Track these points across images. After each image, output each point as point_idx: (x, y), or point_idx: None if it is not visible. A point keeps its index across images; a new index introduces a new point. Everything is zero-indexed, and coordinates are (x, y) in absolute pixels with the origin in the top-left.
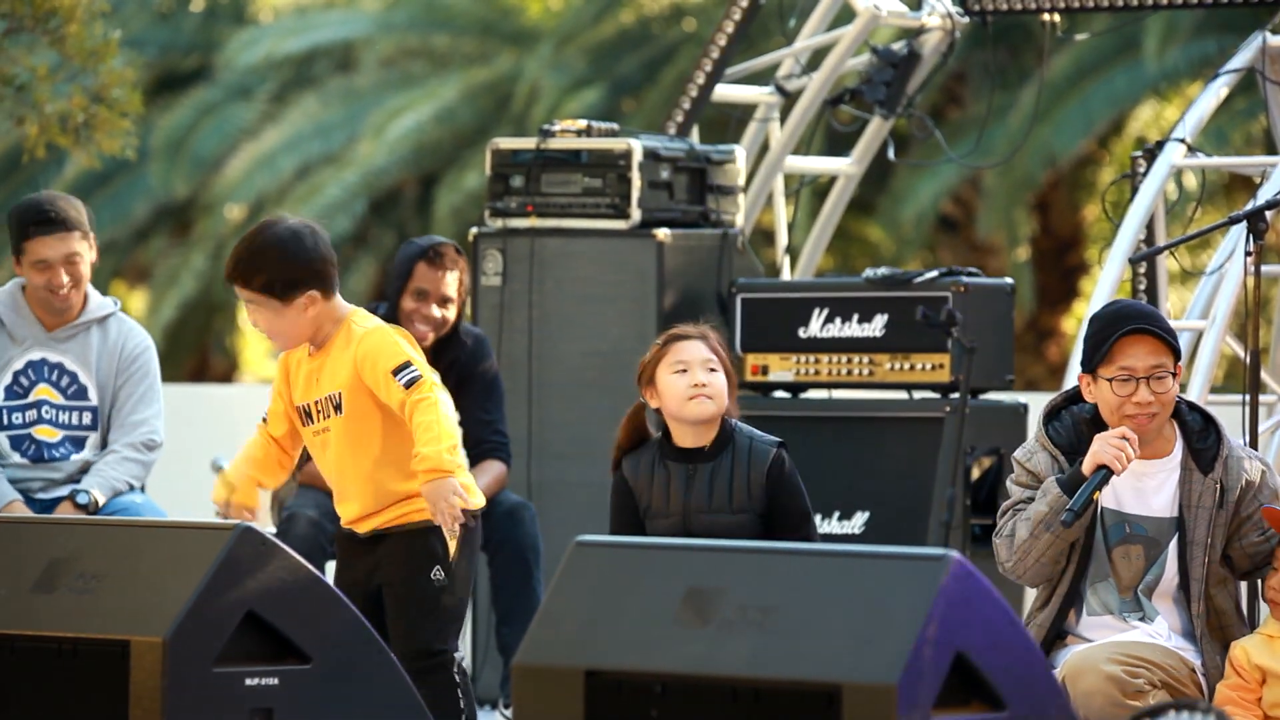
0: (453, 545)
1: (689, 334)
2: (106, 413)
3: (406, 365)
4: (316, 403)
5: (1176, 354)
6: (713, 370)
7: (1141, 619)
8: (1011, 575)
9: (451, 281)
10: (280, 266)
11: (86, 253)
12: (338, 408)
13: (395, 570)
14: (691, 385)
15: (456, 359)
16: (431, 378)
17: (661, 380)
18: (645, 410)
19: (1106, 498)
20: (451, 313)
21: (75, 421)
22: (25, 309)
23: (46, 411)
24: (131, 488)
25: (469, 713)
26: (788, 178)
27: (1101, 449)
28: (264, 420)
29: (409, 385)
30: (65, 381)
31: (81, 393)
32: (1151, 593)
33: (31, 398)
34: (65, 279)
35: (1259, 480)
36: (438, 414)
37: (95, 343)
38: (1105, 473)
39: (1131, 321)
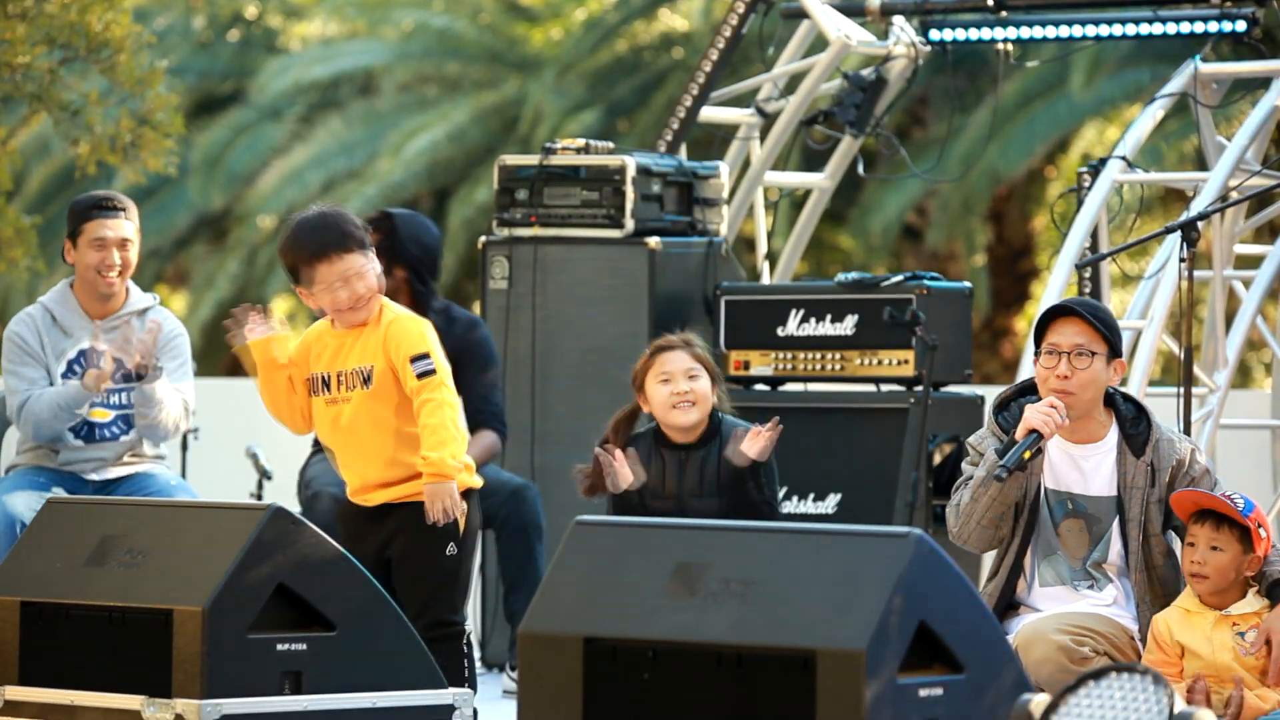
0: (461, 521)
1: (673, 344)
2: None
3: (425, 356)
4: (340, 374)
5: (1107, 341)
6: (693, 378)
7: (1091, 587)
8: (957, 540)
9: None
10: (355, 222)
11: (136, 242)
12: (366, 381)
13: (411, 545)
14: (673, 394)
15: (448, 333)
16: (445, 376)
17: (650, 389)
18: (639, 412)
19: (1049, 478)
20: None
21: (124, 401)
22: (73, 303)
23: (98, 395)
24: (160, 451)
25: (472, 680)
26: (767, 191)
27: (1031, 414)
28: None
29: (421, 376)
30: (115, 366)
31: (128, 376)
32: (1100, 567)
33: None
34: (117, 260)
35: (1188, 459)
36: (443, 417)
37: (138, 331)
38: (1035, 436)
39: (1066, 305)
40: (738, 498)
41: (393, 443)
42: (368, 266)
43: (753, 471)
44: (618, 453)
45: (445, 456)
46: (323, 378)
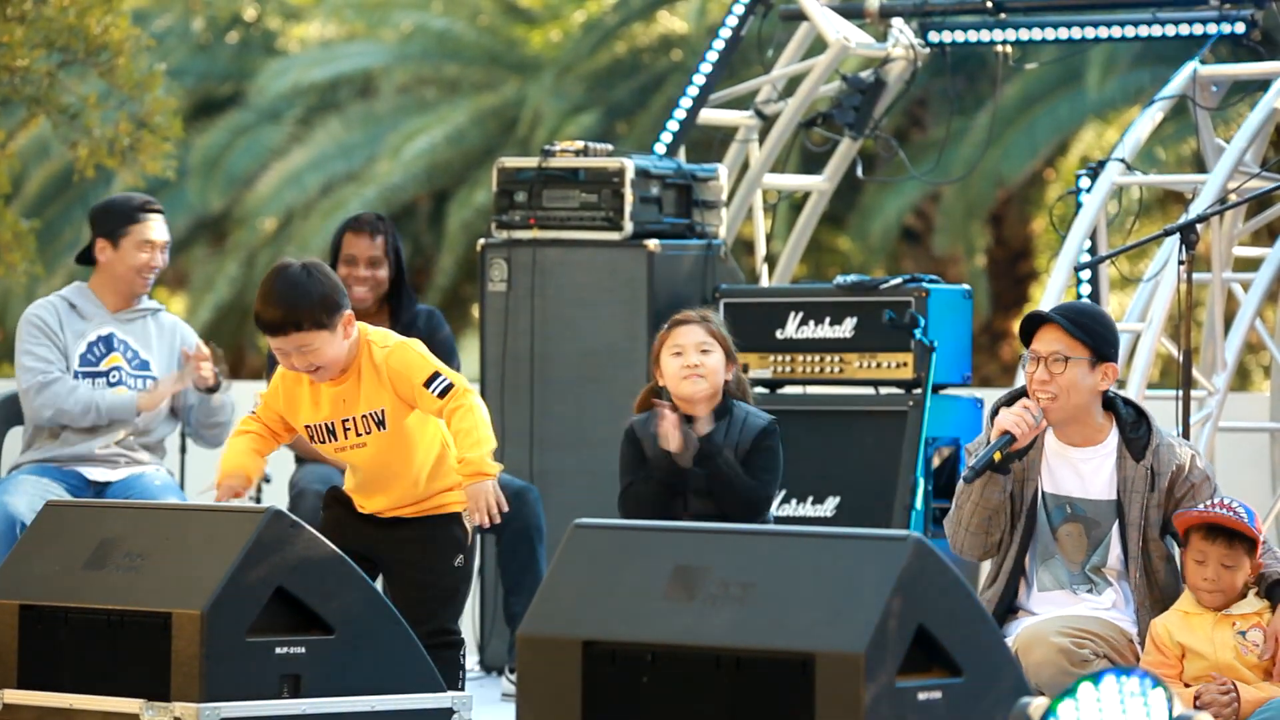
0: (471, 532)
1: (689, 319)
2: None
3: (436, 375)
4: (348, 421)
5: (1088, 346)
6: (705, 352)
7: (1090, 591)
8: (955, 549)
9: (377, 245)
10: (318, 296)
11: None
12: (381, 424)
13: (420, 555)
14: (684, 366)
15: (409, 329)
16: (463, 383)
17: (663, 361)
18: (658, 387)
19: (1047, 482)
20: (383, 272)
21: (142, 387)
22: (91, 296)
23: (114, 376)
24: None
25: (463, 685)
26: (766, 193)
27: (1004, 416)
28: (253, 414)
29: (443, 394)
30: (130, 355)
31: (144, 365)
32: (1100, 571)
33: (103, 366)
34: (159, 262)
35: (1188, 464)
36: (475, 419)
37: (153, 330)
38: (1008, 437)
39: (1047, 313)
40: (745, 461)
41: (418, 473)
42: (317, 344)
43: (754, 452)
44: (670, 414)
45: (484, 455)
46: (326, 426)
